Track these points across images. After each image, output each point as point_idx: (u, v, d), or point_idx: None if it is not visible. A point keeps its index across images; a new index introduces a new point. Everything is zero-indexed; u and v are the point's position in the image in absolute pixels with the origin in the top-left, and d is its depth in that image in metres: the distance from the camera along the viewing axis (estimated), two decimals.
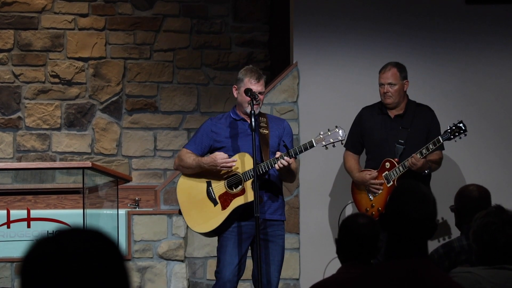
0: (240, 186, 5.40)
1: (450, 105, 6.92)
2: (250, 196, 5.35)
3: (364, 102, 6.73)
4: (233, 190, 5.42)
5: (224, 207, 5.42)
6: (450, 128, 6.19)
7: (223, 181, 5.43)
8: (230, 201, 5.41)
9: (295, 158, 5.42)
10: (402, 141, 6.33)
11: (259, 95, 5.41)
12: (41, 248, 1.83)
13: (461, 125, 6.16)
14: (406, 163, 6.22)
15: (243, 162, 5.39)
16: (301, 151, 5.37)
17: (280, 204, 5.54)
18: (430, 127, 6.38)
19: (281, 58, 7.78)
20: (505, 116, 7.11)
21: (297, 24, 7.18)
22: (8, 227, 6.45)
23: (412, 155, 6.18)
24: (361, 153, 6.58)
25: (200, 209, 5.46)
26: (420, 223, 2.90)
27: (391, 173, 6.28)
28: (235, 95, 5.54)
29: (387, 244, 2.94)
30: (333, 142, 5.42)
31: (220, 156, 5.37)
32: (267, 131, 5.49)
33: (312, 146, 5.37)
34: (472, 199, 4.79)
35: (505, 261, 3.38)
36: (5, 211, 6.53)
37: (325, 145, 5.43)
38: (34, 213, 6.57)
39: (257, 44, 8.25)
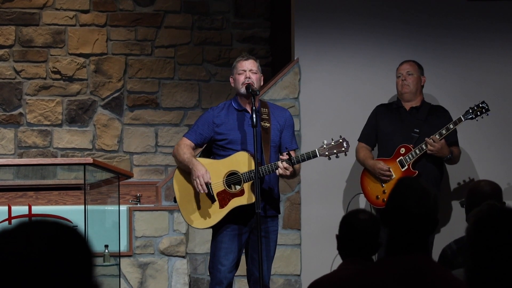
0: (239, 186, 5.36)
1: (451, 102, 6.91)
2: (249, 198, 5.31)
3: (365, 99, 6.73)
4: (231, 189, 5.38)
5: (222, 206, 5.37)
6: (472, 108, 6.21)
7: (222, 179, 5.39)
8: (229, 200, 5.36)
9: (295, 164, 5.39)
10: (417, 130, 6.37)
11: (249, 72, 5.43)
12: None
13: (484, 104, 6.20)
14: (423, 145, 6.23)
15: (243, 162, 5.35)
16: (303, 160, 5.34)
17: (276, 199, 5.51)
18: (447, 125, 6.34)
19: (282, 55, 7.77)
20: (507, 112, 7.10)
21: (298, 20, 7.18)
22: (10, 223, 6.45)
23: (430, 136, 6.19)
24: (374, 146, 6.60)
25: (197, 204, 5.42)
26: (420, 219, 2.91)
27: (406, 157, 6.29)
28: (232, 85, 5.56)
29: (387, 240, 2.95)
30: (337, 153, 5.41)
31: (202, 174, 5.32)
32: (268, 124, 5.45)
33: (315, 156, 5.35)
34: (483, 195, 4.77)
35: None
36: (6, 207, 6.53)
37: (329, 156, 5.41)
38: (36, 209, 6.57)
39: (258, 40, 8.25)
